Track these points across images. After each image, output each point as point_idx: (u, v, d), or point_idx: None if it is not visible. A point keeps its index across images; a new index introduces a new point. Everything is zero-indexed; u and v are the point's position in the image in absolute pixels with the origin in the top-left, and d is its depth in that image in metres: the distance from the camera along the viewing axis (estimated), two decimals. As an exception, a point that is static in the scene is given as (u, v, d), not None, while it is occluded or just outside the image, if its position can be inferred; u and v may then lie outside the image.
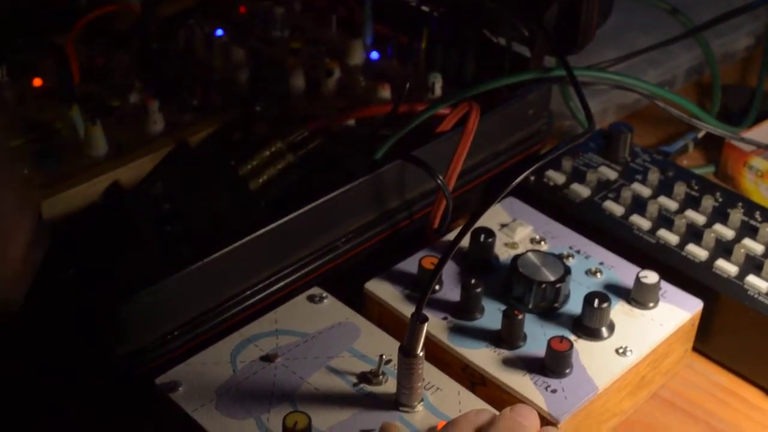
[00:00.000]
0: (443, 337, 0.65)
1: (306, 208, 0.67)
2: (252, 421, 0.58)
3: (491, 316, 0.67)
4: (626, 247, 0.73)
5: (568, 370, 0.63)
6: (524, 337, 0.65)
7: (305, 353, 0.63)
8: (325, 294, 0.67)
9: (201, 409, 0.59)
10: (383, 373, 0.62)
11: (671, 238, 0.74)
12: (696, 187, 0.79)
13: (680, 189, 0.78)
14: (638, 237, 0.74)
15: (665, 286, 0.69)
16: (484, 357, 0.64)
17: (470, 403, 0.61)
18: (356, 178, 0.70)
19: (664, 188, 0.79)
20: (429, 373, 0.62)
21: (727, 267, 0.71)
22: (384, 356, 0.62)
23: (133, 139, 0.76)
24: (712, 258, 0.72)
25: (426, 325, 0.57)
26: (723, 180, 0.88)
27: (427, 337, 0.59)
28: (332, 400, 0.60)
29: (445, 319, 0.67)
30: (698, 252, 0.72)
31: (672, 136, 0.94)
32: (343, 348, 0.64)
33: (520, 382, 0.63)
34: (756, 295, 0.69)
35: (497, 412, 0.57)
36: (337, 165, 0.73)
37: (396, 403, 0.60)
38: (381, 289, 0.69)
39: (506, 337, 0.65)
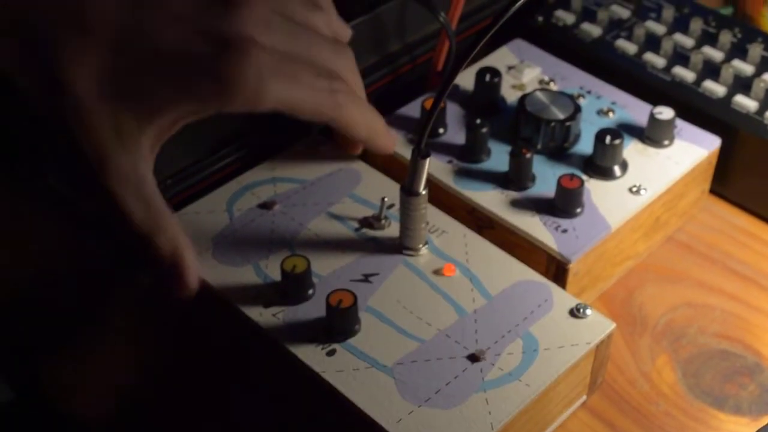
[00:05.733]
0: (448, 180, 0.62)
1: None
2: (250, 267, 0.56)
3: (498, 158, 0.64)
4: (640, 86, 0.70)
5: (579, 210, 0.60)
6: (533, 178, 0.62)
7: (304, 200, 0.61)
8: (322, 139, 0.64)
9: (197, 258, 0.56)
10: (386, 218, 0.59)
11: (687, 75, 0.70)
12: (713, 24, 0.75)
13: (696, 25, 0.74)
14: (652, 75, 0.71)
15: (681, 123, 0.66)
16: (491, 199, 0.61)
17: (477, 245, 0.58)
18: (354, 17, 0.66)
19: (680, 25, 0.74)
20: (434, 217, 0.60)
21: (747, 102, 0.68)
22: (386, 200, 0.59)
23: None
24: (731, 94, 0.69)
25: (428, 161, 0.54)
26: (744, 22, 0.83)
27: (431, 181, 0.56)
28: (333, 245, 0.58)
29: (450, 162, 0.64)
30: (716, 88, 0.69)
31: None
32: (343, 194, 0.61)
33: (529, 223, 0.60)
34: (776, 130, 0.66)
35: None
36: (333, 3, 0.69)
37: (400, 246, 0.58)
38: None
39: (514, 178, 0.62)
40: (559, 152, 0.64)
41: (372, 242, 0.58)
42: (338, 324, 0.53)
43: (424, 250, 0.58)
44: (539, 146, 0.64)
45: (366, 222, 0.59)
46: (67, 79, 0.48)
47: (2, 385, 0.66)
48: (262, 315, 0.54)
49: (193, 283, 0.52)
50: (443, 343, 0.53)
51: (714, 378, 0.59)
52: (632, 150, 0.64)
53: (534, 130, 0.64)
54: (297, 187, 0.61)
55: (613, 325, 0.54)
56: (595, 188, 0.62)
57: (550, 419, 0.55)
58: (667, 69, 0.71)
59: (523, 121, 0.64)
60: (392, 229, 0.59)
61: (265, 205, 0.60)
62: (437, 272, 0.57)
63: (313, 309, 0.54)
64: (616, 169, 0.63)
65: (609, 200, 0.61)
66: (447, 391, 0.51)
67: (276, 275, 0.55)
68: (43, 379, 0.63)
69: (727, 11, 0.84)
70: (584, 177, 0.62)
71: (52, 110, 0.49)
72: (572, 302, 0.55)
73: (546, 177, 0.62)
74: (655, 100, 0.67)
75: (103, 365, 0.62)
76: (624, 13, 0.76)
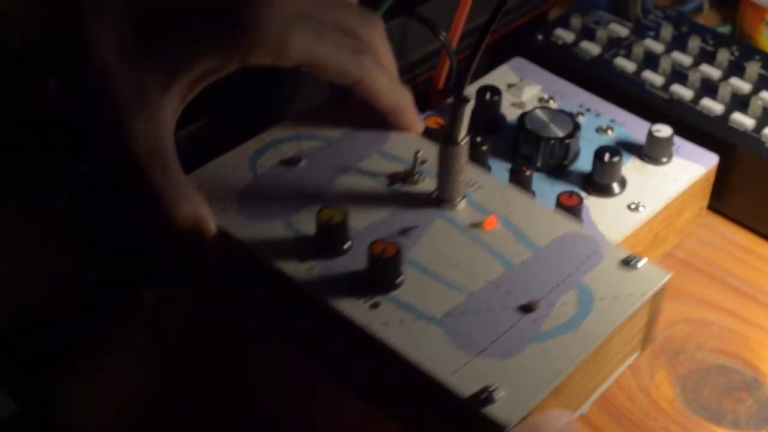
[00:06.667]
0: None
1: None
2: (280, 222, 0.54)
3: (498, 175, 0.64)
4: (638, 104, 0.70)
5: (578, 227, 0.61)
6: (533, 195, 0.63)
7: (331, 156, 0.58)
8: (343, 97, 0.61)
9: (222, 214, 0.54)
10: (419, 173, 0.57)
11: (685, 92, 0.71)
12: (711, 42, 0.75)
13: (694, 44, 0.75)
14: (650, 93, 0.71)
15: (679, 141, 0.67)
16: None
17: (517, 198, 0.57)
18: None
19: (678, 44, 0.75)
20: (469, 171, 0.57)
21: (744, 120, 0.68)
22: (420, 153, 0.57)
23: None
24: (728, 112, 0.69)
25: (469, 105, 0.53)
26: (740, 39, 0.84)
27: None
28: (365, 200, 0.56)
29: (450, 179, 0.64)
30: (713, 106, 0.70)
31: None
32: (372, 150, 0.59)
33: (529, 240, 0.60)
34: (773, 148, 0.67)
35: None
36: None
37: (436, 200, 0.56)
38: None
39: (514, 195, 0.62)
40: (559, 170, 0.65)
41: (406, 197, 0.56)
42: (381, 275, 0.51)
43: (462, 204, 0.56)
44: (539, 164, 0.65)
45: (398, 177, 0.57)
46: (87, 38, 0.47)
47: (6, 399, 0.66)
48: (297, 269, 0.52)
49: (216, 249, 0.52)
50: (492, 295, 0.51)
51: (712, 393, 0.60)
52: (631, 167, 0.65)
53: (533, 147, 0.64)
54: (322, 144, 0.59)
55: (669, 275, 0.53)
56: (594, 205, 0.63)
57: (604, 375, 0.53)
58: (666, 87, 0.72)
59: (523, 139, 0.65)
60: (426, 184, 0.57)
61: (291, 161, 0.58)
62: (477, 225, 0.55)
63: (350, 262, 0.52)
64: (615, 187, 0.63)
65: (608, 217, 0.62)
66: (502, 341, 0.49)
67: (308, 229, 0.53)
68: (47, 393, 0.64)
69: (725, 29, 0.85)
70: (583, 194, 0.63)
71: (73, 75, 0.48)
72: (623, 253, 0.54)
73: (545, 194, 0.63)
74: (653, 117, 0.68)
75: (107, 380, 0.62)
76: (623, 31, 0.77)
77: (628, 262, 0.53)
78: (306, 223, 0.54)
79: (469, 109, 0.53)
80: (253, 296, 0.57)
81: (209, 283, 0.57)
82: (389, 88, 0.57)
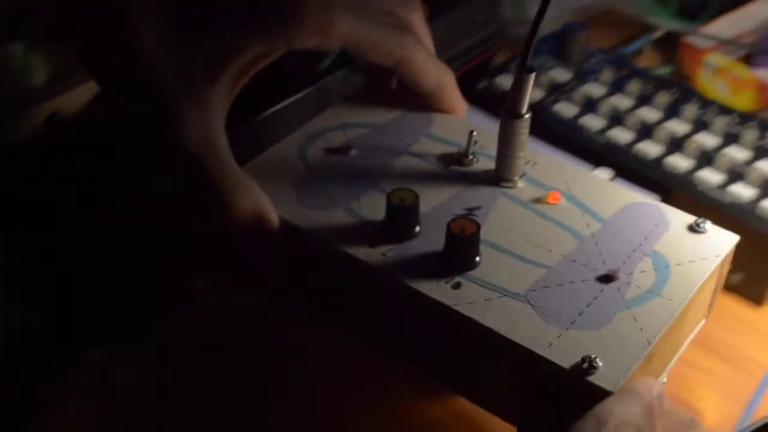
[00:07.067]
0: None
1: (250, 122, 0.66)
2: (341, 210, 0.54)
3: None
4: (578, 149, 0.72)
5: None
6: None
7: (379, 142, 0.58)
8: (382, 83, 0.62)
9: (282, 206, 0.53)
10: (473, 154, 0.57)
11: (623, 136, 0.73)
12: (651, 84, 0.77)
13: (634, 87, 0.77)
14: (589, 138, 0.73)
15: (619, 183, 0.68)
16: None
17: (574, 173, 0.57)
18: (301, 89, 0.68)
19: (618, 87, 0.77)
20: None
21: (680, 162, 0.70)
22: (475, 133, 0.57)
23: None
24: (666, 154, 0.71)
25: (533, 76, 0.52)
26: (680, 80, 0.87)
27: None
28: (424, 183, 0.55)
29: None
30: (650, 149, 0.71)
31: (630, 38, 0.92)
32: (419, 134, 0.59)
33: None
34: (707, 190, 0.68)
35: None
36: (280, 76, 0.72)
37: (495, 179, 0.56)
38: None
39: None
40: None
41: (464, 177, 0.56)
42: (461, 253, 0.50)
43: (521, 182, 0.56)
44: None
45: (452, 159, 0.57)
46: (134, 37, 0.46)
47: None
48: (371, 255, 0.51)
49: (277, 239, 0.51)
50: (570, 268, 0.51)
51: (651, 432, 0.61)
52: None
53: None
54: (368, 131, 0.59)
55: (737, 238, 0.53)
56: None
57: (679, 343, 0.54)
58: (605, 131, 0.73)
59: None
60: (481, 164, 0.57)
61: (340, 150, 0.58)
62: (541, 201, 0.55)
63: (422, 245, 0.52)
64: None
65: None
66: (590, 312, 0.49)
67: (372, 215, 0.53)
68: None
69: (665, 71, 0.88)
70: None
71: (120, 76, 0.48)
72: (689, 218, 0.54)
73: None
74: (596, 161, 0.69)
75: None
76: (565, 76, 0.79)
77: (695, 227, 0.54)
78: (369, 209, 0.54)
79: (531, 79, 0.52)
80: (310, 290, 0.56)
81: (261, 281, 0.57)
82: (432, 66, 0.57)
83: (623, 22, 0.83)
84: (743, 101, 0.81)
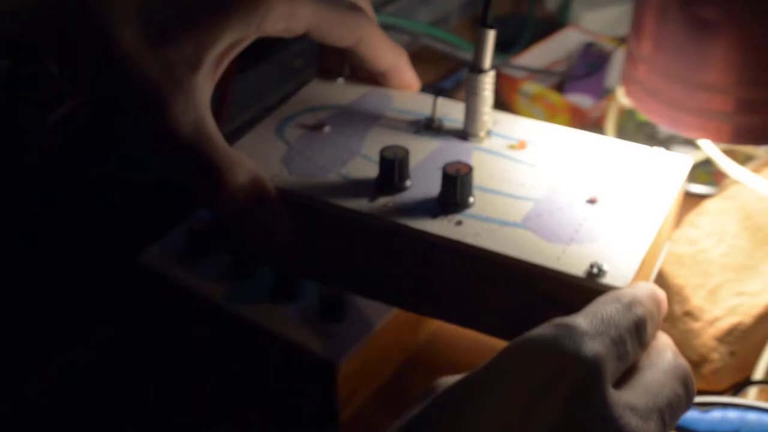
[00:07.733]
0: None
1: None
2: (334, 175, 0.56)
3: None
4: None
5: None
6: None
7: (350, 119, 0.60)
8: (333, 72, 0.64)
9: (277, 179, 0.56)
10: (439, 119, 0.60)
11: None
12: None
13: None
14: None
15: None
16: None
17: (535, 125, 0.60)
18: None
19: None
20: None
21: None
22: (439, 98, 0.59)
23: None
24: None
25: (494, 32, 0.55)
26: (500, 109, 0.89)
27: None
28: (403, 145, 0.57)
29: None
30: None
31: (450, 72, 0.95)
32: (384, 108, 0.61)
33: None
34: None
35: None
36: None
37: (465, 135, 0.59)
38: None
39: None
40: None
41: (437, 138, 0.59)
42: (459, 193, 0.53)
43: (489, 137, 0.59)
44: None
45: (420, 125, 0.60)
46: (112, 32, 0.48)
47: None
48: (372, 208, 0.54)
49: (279, 214, 0.54)
50: (555, 197, 0.54)
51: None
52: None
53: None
54: (336, 111, 0.61)
55: (692, 160, 0.58)
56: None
57: (655, 259, 0.57)
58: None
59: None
60: (448, 126, 0.60)
61: (315, 128, 0.60)
62: (513, 148, 0.58)
63: (415, 194, 0.55)
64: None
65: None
66: (584, 230, 0.52)
67: (364, 175, 0.56)
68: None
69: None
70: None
71: (100, 72, 0.49)
72: (644, 147, 0.58)
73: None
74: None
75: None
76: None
77: (652, 149, 0.58)
78: (357, 172, 0.56)
79: (492, 36, 0.55)
80: (316, 260, 0.58)
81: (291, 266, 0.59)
82: (387, 45, 0.59)
83: (437, 58, 0.85)
84: (559, 124, 0.84)
